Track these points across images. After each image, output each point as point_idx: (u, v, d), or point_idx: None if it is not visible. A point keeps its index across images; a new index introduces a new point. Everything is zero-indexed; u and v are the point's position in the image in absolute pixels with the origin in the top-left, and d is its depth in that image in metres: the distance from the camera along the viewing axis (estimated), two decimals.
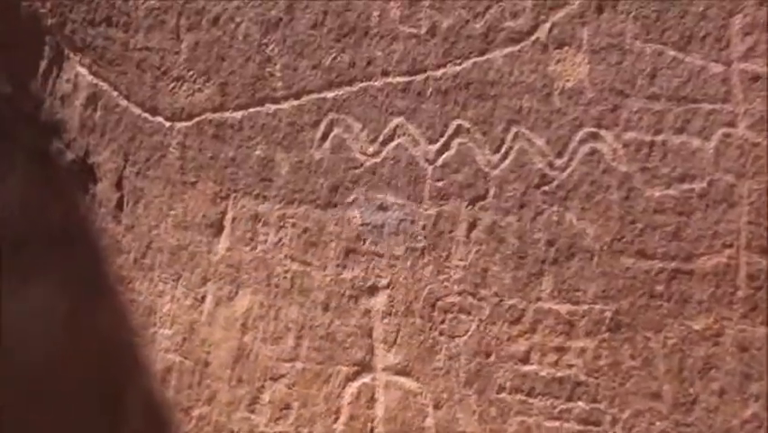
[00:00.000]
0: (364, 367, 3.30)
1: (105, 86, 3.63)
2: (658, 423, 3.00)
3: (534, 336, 3.11)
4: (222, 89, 3.43)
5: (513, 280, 3.13)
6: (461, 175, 3.17)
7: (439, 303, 3.21)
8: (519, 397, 3.13)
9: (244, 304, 3.44)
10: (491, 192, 3.14)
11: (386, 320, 3.28)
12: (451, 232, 3.19)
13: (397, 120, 3.22)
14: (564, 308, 3.08)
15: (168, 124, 3.53)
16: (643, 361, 3.01)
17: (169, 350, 3.57)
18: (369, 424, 3.30)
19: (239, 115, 3.41)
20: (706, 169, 2.94)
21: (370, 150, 3.26)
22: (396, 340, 3.26)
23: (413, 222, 3.21)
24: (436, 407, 3.22)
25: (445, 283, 3.19)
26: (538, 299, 3.10)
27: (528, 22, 3.07)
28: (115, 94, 3.61)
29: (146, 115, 3.56)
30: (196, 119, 3.48)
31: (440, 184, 3.19)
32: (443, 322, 3.21)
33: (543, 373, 3.10)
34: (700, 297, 2.95)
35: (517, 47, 3.09)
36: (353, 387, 3.32)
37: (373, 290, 3.28)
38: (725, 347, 2.93)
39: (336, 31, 3.27)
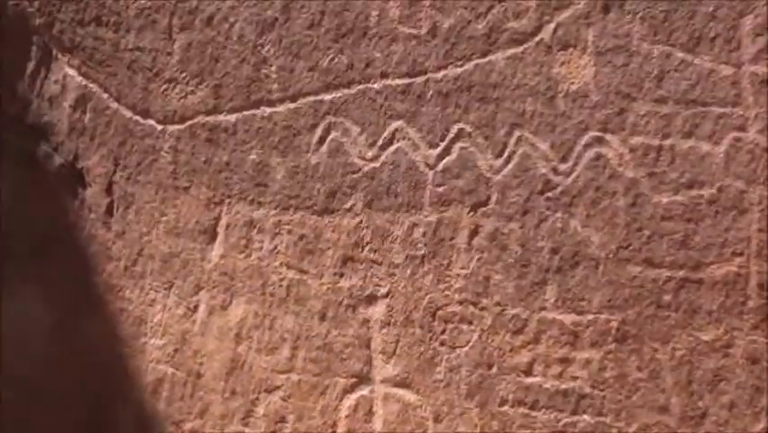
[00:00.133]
0: (362, 379, 3.30)
1: (94, 87, 3.64)
2: None
3: (538, 347, 3.11)
4: (215, 91, 3.43)
5: (516, 288, 3.12)
6: (462, 180, 3.16)
7: (439, 313, 3.21)
8: (522, 410, 3.13)
9: (238, 313, 3.44)
10: (493, 198, 3.13)
11: (385, 330, 3.27)
12: (452, 239, 3.18)
13: (396, 123, 3.22)
14: (569, 318, 3.07)
15: (159, 127, 3.53)
16: (650, 373, 3.00)
17: (161, 361, 3.57)
18: None
19: (233, 117, 3.41)
20: (715, 174, 2.94)
21: (369, 154, 3.25)
22: (395, 351, 3.26)
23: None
24: (436, 420, 3.22)
25: (446, 292, 3.19)
26: (542, 308, 3.10)
27: (532, 22, 3.08)
28: (105, 96, 3.62)
29: (137, 117, 3.56)
30: (189, 122, 3.48)
31: (441, 190, 3.18)
32: (443, 332, 3.20)
33: (546, 386, 3.10)
34: (709, 307, 2.96)
35: (521, 48, 3.09)
36: (351, 399, 3.32)
37: (372, 299, 3.28)
38: (735, 359, 2.94)
39: (334, 31, 3.27)
